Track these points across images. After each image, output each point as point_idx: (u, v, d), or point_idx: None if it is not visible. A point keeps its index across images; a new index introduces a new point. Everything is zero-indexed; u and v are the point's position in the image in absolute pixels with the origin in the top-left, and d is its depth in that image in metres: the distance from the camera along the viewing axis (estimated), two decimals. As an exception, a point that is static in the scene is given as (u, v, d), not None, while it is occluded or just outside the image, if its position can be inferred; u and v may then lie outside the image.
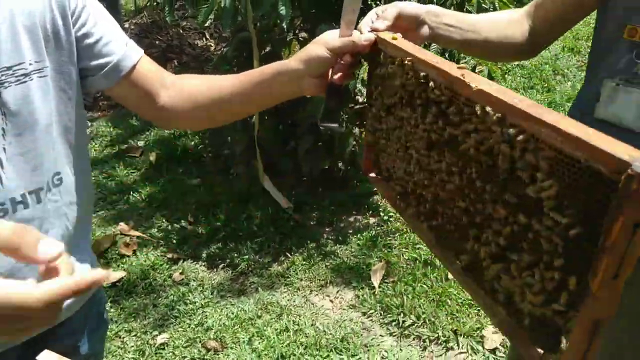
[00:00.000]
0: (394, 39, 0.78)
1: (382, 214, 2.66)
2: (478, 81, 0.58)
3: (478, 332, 1.95)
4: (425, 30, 0.87)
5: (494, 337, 1.91)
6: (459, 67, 0.62)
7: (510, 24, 0.93)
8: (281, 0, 2.23)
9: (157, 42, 4.71)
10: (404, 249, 2.43)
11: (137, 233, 2.63)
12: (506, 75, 4.00)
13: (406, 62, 0.72)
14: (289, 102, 2.89)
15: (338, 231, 2.59)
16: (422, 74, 0.68)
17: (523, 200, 0.53)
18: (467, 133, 0.60)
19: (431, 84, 0.66)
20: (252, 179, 2.99)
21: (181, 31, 4.95)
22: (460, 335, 1.95)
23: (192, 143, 3.44)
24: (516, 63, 4.20)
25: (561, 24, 0.94)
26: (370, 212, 2.70)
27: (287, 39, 2.94)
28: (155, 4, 4.18)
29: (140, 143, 3.51)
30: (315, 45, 0.81)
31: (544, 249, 0.50)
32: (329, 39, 0.80)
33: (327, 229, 2.62)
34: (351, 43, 0.78)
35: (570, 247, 0.47)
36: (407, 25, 0.86)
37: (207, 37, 5.02)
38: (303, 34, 3.00)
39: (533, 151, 0.50)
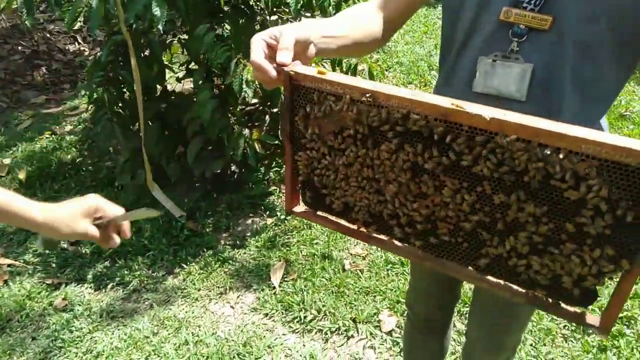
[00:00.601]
0: (321, 73, 0.76)
1: (278, 213, 2.66)
2: (481, 111, 0.64)
3: (375, 317, 2.03)
4: (312, 49, 0.85)
5: (389, 320, 2.00)
6: (452, 104, 0.66)
7: (370, 19, 0.97)
8: (155, 1, 2.14)
9: (19, 47, 4.25)
10: (302, 246, 2.45)
11: (7, 261, 2.36)
12: (386, 72, 4.22)
13: (364, 99, 0.72)
14: (174, 105, 2.77)
15: (235, 235, 2.55)
16: (400, 109, 0.70)
17: (556, 205, 0.64)
18: (478, 157, 0.67)
19: (414, 117, 0.69)
20: (140, 189, 2.82)
21: (49, 35, 4.53)
22: (360, 322, 2.02)
23: (69, 156, 3.16)
24: (395, 60, 4.45)
25: (411, 11, 1.03)
26: (267, 212, 2.69)
27: (167, 41, 2.83)
28: (13, 6, 3.78)
29: (6, 160, 3.15)
30: None
31: (591, 237, 0.63)
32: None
33: (224, 235, 2.56)
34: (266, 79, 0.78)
35: (618, 232, 0.61)
36: (300, 49, 0.81)
37: (80, 41, 4.65)
38: (184, 36, 2.90)
39: (573, 163, 0.60)
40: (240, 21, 2.68)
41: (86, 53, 4.51)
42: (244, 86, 2.26)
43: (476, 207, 0.71)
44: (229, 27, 2.54)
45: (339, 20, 0.96)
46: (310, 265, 2.32)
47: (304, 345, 1.94)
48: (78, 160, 3.11)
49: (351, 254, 2.40)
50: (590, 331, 0.70)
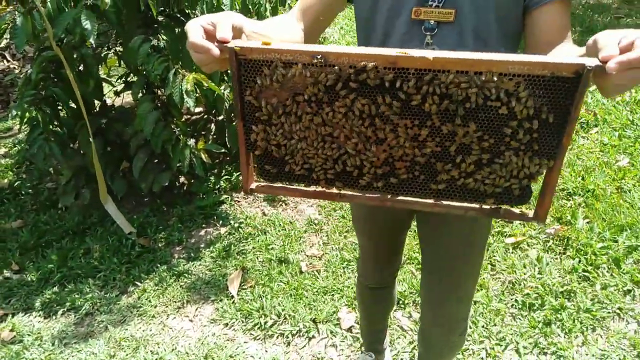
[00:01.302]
0: (266, 44, 0.78)
1: (232, 222, 2.64)
2: (420, 54, 0.73)
3: (334, 315, 2.07)
4: (244, 39, 0.87)
5: (348, 317, 2.04)
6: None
7: (292, 27, 1.01)
8: (84, 15, 2.07)
9: (-59, 69, 4.00)
10: (257, 252, 2.45)
11: (-55, 297, 2.22)
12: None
13: (316, 61, 0.76)
14: (114, 120, 2.69)
15: (189, 248, 2.51)
16: (358, 64, 0.75)
17: (494, 122, 0.77)
18: (425, 95, 0.76)
19: (370, 69, 0.75)
20: (85, 209, 2.73)
21: (-27, 54, 4.28)
22: (320, 322, 2.04)
23: (6, 180, 3.01)
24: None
25: (327, 21, 1.10)
26: (220, 222, 2.66)
27: (102, 54, 2.74)
28: None
29: (-64, 190, 2.96)
30: None
31: (523, 143, 0.78)
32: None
33: (177, 248, 2.52)
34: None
35: (542, 134, 0.77)
36: (235, 36, 0.84)
37: (9, 58, 4.42)
38: (119, 48, 2.83)
39: (503, 82, 0.73)
40: (177, 30, 2.64)
41: (16, 71, 4.30)
42: (184, 96, 2.23)
43: (428, 140, 0.81)
44: (164, 38, 2.50)
45: (265, 22, 0.99)
46: (267, 271, 2.32)
47: (266, 351, 1.95)
48: (16, 183, 2.96)
49: (307, 256, 2.42)
50: (533, 223, 0.86)
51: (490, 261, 2.26)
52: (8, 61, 4.44)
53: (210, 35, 0.79)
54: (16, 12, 2.13)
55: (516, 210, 0.86)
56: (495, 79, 0.73)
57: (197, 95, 2.33)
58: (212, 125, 3.09)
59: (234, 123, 3.04)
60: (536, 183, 0.84)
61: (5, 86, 4.11)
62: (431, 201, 0.88)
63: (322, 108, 0.81)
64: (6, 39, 2.23)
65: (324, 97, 0.80)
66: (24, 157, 3.19)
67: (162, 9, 2.55)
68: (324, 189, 0.92)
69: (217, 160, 3.11)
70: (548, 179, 0.80)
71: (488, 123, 0.78)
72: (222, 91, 2.68)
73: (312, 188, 0.92)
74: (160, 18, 2.50)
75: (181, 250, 2.50)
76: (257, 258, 2.42)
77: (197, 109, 2.93)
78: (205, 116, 3.17)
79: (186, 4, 2.48)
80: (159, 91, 2.63)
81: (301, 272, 2.31)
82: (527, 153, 0.79)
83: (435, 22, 0.93)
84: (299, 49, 0.77)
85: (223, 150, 2.80)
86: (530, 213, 0.85)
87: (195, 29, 0.78)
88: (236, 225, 2.63)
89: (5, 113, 3.84)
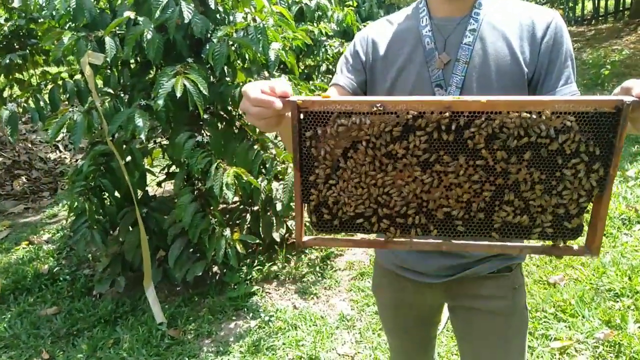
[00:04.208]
0: (325, 97, 0.83)
1: (262, 314, 2.60)
2: (473, 98, 0.79)
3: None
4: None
5: None
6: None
7: None
8: (137, 114, 2.25)
9: (0, 158, 4.31)
10: (287, 349, 2.37)
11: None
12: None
13: (375, 109, 0.81)
14: (154, 209, 2.79)
15: (218, 341, 2.46)
16: (410, 111, 0.81)
17: (543, 158, 0.81)
18: (480, 135, 0.81)
19: (429, 115, 0.81)
20: (119, 297, 2.75)
21: (30, 145, 4.62)
22: None
23: (46, 266, 3.09)
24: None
25: None
26: (251, 314, 2.62)
27: (149, 148, 2.92)
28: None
29: (-20, 274, 3.06)
30: None
31: (573, 177, 0.82)
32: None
33: (206, 341, 2.47)
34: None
35: (592, 166, 0.81)
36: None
37: (61, 149, 4.74)
38: (165, 141, 3.01)
39: (551, 120, 0.79)
40: (220, 126, 2.82)
41: (67, 160, 4.58)
42: (224, 189, 2.31)
43: (482, 179, 0.84)
44: (208, 134, 2.66)
45: None
46: (297, 369, 2.23)
47: None
48: (55, 269, 3.03)
49: (339, 354, 2.32)
50: (585, 256, 0.87)
51: (536, 367, 2.11)
52: (60, 151, 4.76)
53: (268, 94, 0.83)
54: (76, 111, 2.33)
55: (569, 245, 0.88)
56: (544, 117, 0.79)
57: (235, 187, 2.41)
58: (247, 215, 3.16)
59: (268, 214, 3.11)
60: (585, 216, 0.85)
61: (55, 175, 4.37)
62: (486, 242, 0.89)
63: (381, 155, 0.85)
64: (63, 132, 2.42)
65: (382, 144, 0.84)
66: (65, 243, 3.30)
67: (207, 106, 2.74)
68: (378, 237, 0.92)
69: (249, 250, 3.13)
70: (598, 211, 0.83)
71: (539, 159, 0.82)
72: (260, 183, 2.77)
73: (365, 237, 0.93)
74: (205, 116, 2.67)
75: (210, 344, 2.45)
76: (287, 355, 2.34)
77: (234, 198, 3.02)
78: (241, 206, 3.25)
79: (229, 102, 2.65)
80: (198, 183, 2.75)
81: (333, 372, 2.20)
82: (577, 186, 0.83)
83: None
84: (358, 100, 0.83)
85: (257, 241, 2.83)
86: (583, 247, 0.86)
87: (254, 88, 0.82)
88: (266, 318, 2.58)
89: (53, 200, 4.03)
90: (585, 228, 0.85)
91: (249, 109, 0.82)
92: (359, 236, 0.93)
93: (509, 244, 0.89)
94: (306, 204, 0.91)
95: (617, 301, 2.43)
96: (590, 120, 0.79)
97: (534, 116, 0.79)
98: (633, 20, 8.87)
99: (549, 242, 0.88)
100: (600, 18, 10.07)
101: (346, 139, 0.85)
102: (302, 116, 0.85)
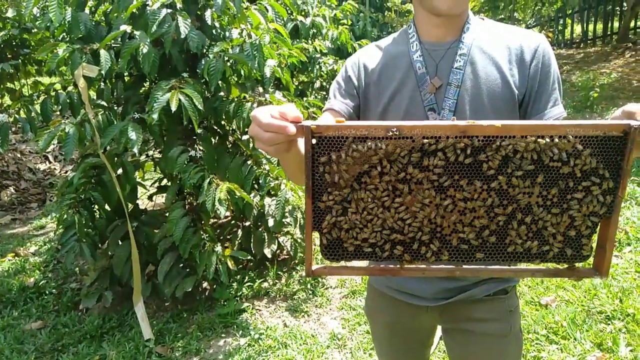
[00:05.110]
0: (339, 122, 0.81)
1: (252, 332, 2.56)
2: (488, 122, 0.80)
3: None
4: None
5: None
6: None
7: None
8: (130, 127, 2.23)
9: (-12, 168, 4.25)
10: (277, 367, 2.33)
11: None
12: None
13: (391, 134, 0.80)
14: (144, 223, 2.75)
15: (207, 359, 2.41)
16: (432, 134, 0.81)
17: (555, 181, 0.83)
18: (495, 159, 0.82)
19: (445, 139, 0.81)
20: (105, 312, 2.70)
21: (19, 155, 4.57)
22: None
23: (32, 279, 3.03)
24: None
25: None
26: (240, 332, 2.58)
27: (141, 161, 2.90)
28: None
29: (-37, 286, 2.99)
30: None
31: (584, 199, 0.84)
32: None
33: (194, 359, 2.42)
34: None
35: (601, 188, 0.83)
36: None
37: (51, 160, 4.69)
38: (157, 155, 2.99)
39: (563, 144, 0.81)
40: (213, 141, 2.81)
41: (57, 172, 4.53)
42: (216, 204, 2.29)
43: (496, 203, 0.85)
44: (202, 148, 2.65)
45: None
46: (287, 389, 2.19)
47: None
48: (41, 283, 2.98)
49: (330, 373, 2.29)
50: (595, 278, 0.87)
51: (528, 390, 2.10)
52: (50, 162, 4.70)
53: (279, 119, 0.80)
54: (68, 123, 2.31)
55: (578, 267, 0.89)
56: (557, 140, 0.81)
57: (228, 202, 2.40)
58: (239, 231, 3.14)
59: (260, 229, 3.09)
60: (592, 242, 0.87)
61: (44, 186, 4.32)
62: (498, 267, 0.89)
63: (395, 180, 0.84)
64: (53, 143, 2.39)
65: (397, 169, 0.83)
66: (52, 256, 3.24)
67: (201, 121, 2.74)
68: (390, 264, 0.91)
69: (240, 266, 3.10)
70: (606, 232, 0.85)
71: (551, 183, 0.84)
72: (252, 198, 2.75)
73: (377, 265, 0.90)
74: (198, 130, 2.66)
75: (198, 362, 2.40)
76: (276, 374, 2.30)
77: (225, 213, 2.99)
78: (233, 221, 3.23)
79: (223, 117, 2.65)
80: (190, 197, 2.73)
81: (323, 393, 2.17)
82: (588, 208, 0.84)
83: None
84: (373, 124, 0.82)
85: (248, 257, 2.81)
86: (592, 269, 0.88)
87: (264, 113, 0.79)
88: (256, 336, 2.54)
89: (41, 212, 3.98)
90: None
91: (261, 135, 0.79)
92: (369, 264, 0.91)
93: (520, 267, 0.89)
94: (317, 232, 0.88)
95: (609, 324, 2.43)
96: (600, 143, 0.81)
97: (547, 140, 0.81)
98: (620, 44, 9.08)
99: (559, 265, 0.88)
100: (589, 41, 10.29)
101: (360, 164, 0.84)
102: (315, 141, 0.83)
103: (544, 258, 0.88)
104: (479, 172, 0.84)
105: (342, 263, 0.91)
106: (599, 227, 0.86)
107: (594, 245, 0.87)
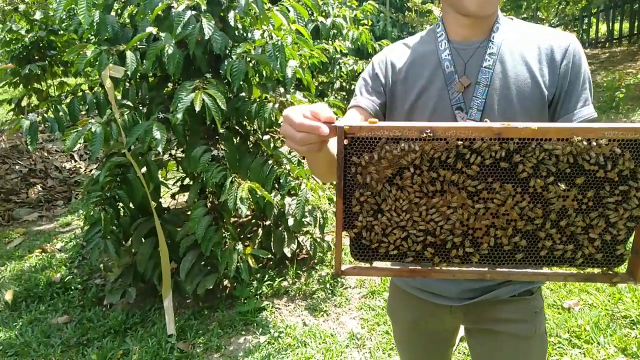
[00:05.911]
0: (372, 122, 0.81)
1: (272, 330, 2.58)
2: (524, 125, 0.78)
3: None
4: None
5: None
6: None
7: None
8: (155, 126, 2.28)
9: (17, 167, 4.37)
10: (297, 366, 2.35)
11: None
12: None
13: (425, 135, 0.80)
14: (167, 221, 2.79)
15: (227, 356, 2.44)
16: (460, 137, 0.80)
17: (592, 185, 0.81)
18: (530, 161, 0.80)
19: (479, 141, 0.80)
20: (129, 308, 2.75)
21: (46, 154, 4.68)
22: None
23: (58, 275, 3.11)
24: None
25: None
26: (260, 330, 2.61)
27: (163, 160, 2.95)
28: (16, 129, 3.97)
29: (-7, 281, 3.09)
30: None
31: (621, 203, 0.82)
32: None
33: (215, 355, 2.46)
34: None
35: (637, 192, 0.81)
36: None
37: (77, 158, 4.80)
38: (179, 154, 3.04)
39: (601, 147, 0.79)
40: (235, 141, 2.84)
41: (82, 170, 4.64)
42: (238, 203, 2.32)
43: (530, 206, 0.83)
44: (224, 148, 2.68)
45: None
46: (306, 387, 2.21)
47: None
48: (67, 278, 3.05)
49: (349, 373, 2.30)
50: (628, 284, 0.86)
51: (550, 393, 2.07)
52: (75, 161, 4.81)
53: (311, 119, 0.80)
54: (95, 123, 2.37)
55: (613, 272, 0.87)
56: (594, 144, 0.79)
57: (249, 201, 2.42)
58: (259, 230, 3.17)
59: (280, 229, 3.11)
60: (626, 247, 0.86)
61: (70, 184, 4.42)
62: (530, 270, 0.87)
63: (428, 181, 0.83)
64: (79, 142, 2.45)
65: (430, 170, 0.82)
66: (78, 252, 3.32)
67: (223, 121, 2.77)
68: (420, 266, 0.90)
69: (260, 265, 3.13)
70: None
71: (588, 186, 0.82)
72: (273, 198, 2.78)
73: (406, 266, 0.90)
74: (221, 130, 2.70)
75: (219, 358, 2.43)
76: (296, 372, 2.32)
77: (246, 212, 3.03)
78: (253, 220, 3.26)
79: (245, 117, 2.68)
80: (212, 196, 2.76)
81: (342, 392, 2.18)
82: (624, 212, 0.83)
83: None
84: (407, 125, 0.80)
85: (269, 255, 2.83)
86: (626, 274, 0.86)
87: (296, 112, 0.79)
88: (276, 334, 2.56)
89: (67, 209, 4.07)
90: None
91: (293, 135, 0.79)
92: (399, 265, 0.90)
93: (553, 271, 0.88)
94: (347, 232, 0.88)
95: (634, 328, 2.38)
96: (638, 147, 0.80)
97: (585, 143, 0.79)
98: (647, 43, 8.86)
99: (592, 270, 0.87)
100: (614, 41, 10.08)
101: (393, 165, 0.83)
102: (347, 142, 0.82)
103: (577, 262, 0.86)
104: (513, 174, 0.82)
105: (372, 264, 0.91)
106: (634, 231, 0.83)
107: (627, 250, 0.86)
